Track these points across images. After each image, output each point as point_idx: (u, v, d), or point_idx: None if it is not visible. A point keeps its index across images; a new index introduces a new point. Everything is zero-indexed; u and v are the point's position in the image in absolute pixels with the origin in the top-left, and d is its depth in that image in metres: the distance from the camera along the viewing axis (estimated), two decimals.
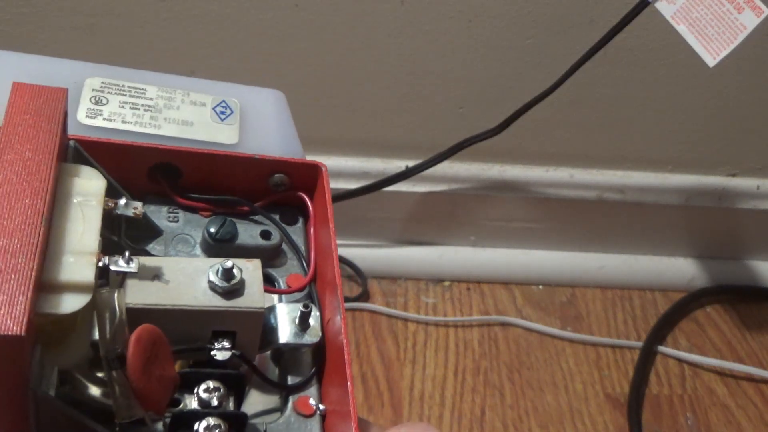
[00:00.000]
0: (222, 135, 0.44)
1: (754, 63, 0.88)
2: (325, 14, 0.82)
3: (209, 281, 0.35)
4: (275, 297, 0.42)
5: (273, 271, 0.43)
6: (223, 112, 0.45)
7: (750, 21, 0.64)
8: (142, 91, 0.45)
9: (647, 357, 1.00)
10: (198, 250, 0.42)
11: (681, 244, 1.08)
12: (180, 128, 0.44)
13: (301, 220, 0.44)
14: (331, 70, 0.87)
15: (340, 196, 0.91)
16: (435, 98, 0.90)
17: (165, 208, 0.43)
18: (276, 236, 0.42)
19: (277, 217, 0.44)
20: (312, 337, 0.38)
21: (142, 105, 0.44)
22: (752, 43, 0.67)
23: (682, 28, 0.67)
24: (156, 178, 0.42)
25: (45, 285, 0.31)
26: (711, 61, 0.67)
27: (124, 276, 0.34)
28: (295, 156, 0.45)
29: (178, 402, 0.34)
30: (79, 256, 0.32)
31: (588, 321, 1.04)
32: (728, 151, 0.98)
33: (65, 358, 0.32)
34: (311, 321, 0.38)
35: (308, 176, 0.43)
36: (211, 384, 0.34)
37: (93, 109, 0.43)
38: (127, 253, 0.33)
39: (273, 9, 0.81)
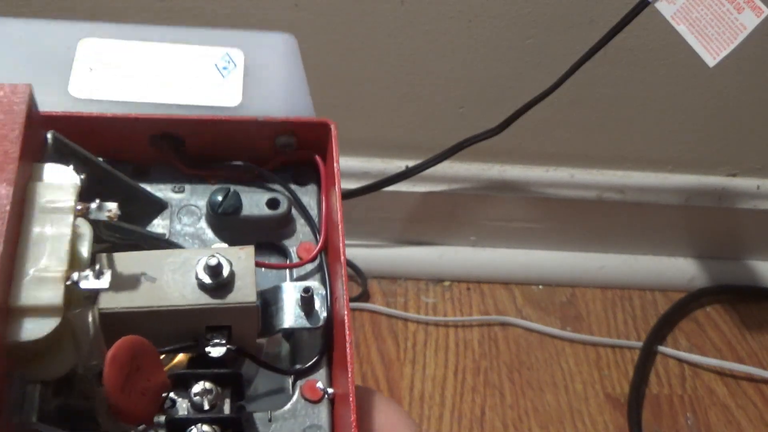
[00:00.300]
0: (224, 96, 0.42)
1: (754, 63, 0.88)
2: (325, 14, 0.82)
3: (197, 278, 0.33)
4: (286, 272, 0.40)
5: (284, 241, 0.40)
6: (225, 68, 0.43)
7: (750, 21, 0.64)
8: (138, 52, 0.42)
9: (647, 357, 1.00)
10: (203, 223, 0.40)
11: (681, 244, 1.08)
12: (179, 93, 0.42)
13: (314, 180, 0.42)
14: (330, 70, 0.87)
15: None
16: (435, 98, 0.90)
17: (170, 178, 0.41)
18: (284, 204, 0.40)
19: (289, 178, 0.42)
20: (315, 321, 0.36)
21: (139, 69, 0.42)
22: (752, 43, 0.67)
23: (682, 28, 0.67)
24: (158, 147, 0.40)
25: (11, 310, 0.29)
26: (711, 61, 0.67)
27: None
28: (303, 111, 0.42)
29: (173, 403, 0.33)
30: (46, 276, 0.30)
31: (588, 321, 1.04)
32: (728, 151, 0.98)
33: (50, 371, 0.31)
34: (316, 302, 0.36)
35: (317, 135, 0.41)
36: (204, 385, 0.33)
37: (85, 80, 0.41)
38: (97, 267, 0.31)
39: (273, 9, 0.81)
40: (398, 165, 0.94)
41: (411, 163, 0.92)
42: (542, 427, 0.93)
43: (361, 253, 1.02)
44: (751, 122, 0.95)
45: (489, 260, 1.05)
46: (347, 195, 0.92)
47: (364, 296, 1.01)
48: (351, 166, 0.94)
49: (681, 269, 1.08)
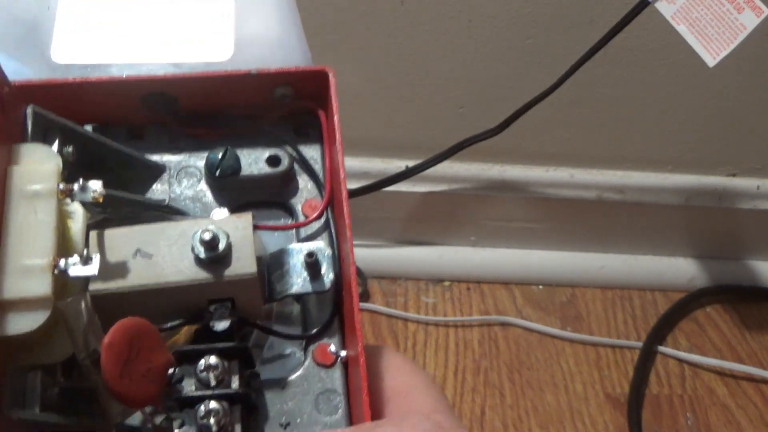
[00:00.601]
0: (215, 50, 0.40)
1: (754, 63, 0.88)
2: (325, 14, 0.82)
3: (193, 252, 0.32)
4: (293, 232, 0.38)
5: (289, 199, 0.39)
6: (215, 18, 0.41)
7: (750, 21, 0.64)
8: (122, 7, 0.40)
9: (647, 357, 1.00)
10: (203, 185, 0.39)
11: (681, 244, 1.08)
12: (168, 50, 0.40)
13: (317, 132, 0.40)
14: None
15: None
16: (435, 98, 0.90)
17: (167, 139, 0.39)
18: (285, 161, 0.38)
19: (290, 132, 0.40)
20: (321, 285, 0.35)
21: (124, 28, 0.39)
22: (752, 43, 0.67)
23: (682, 28, 0.67)
24: (151, 108, 0.38)
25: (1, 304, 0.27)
26: (711, 61, 0.67)
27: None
28: (300, 59, 0.40)
29: (181, 378, 0.32)
30: (31, 265, 0.28)
31: (588, 321, 1.04)
32: (728, 151, 0.98)
33: (47, 358, 0.30)
34: (322, 265, 0.35)
35: (315, 85, 0.39)
36: (211, 360, 0.32)
37: (69, 44, 0.39)
38: (85, 252, 0.30)
39: None
40: (398, 165, 0.94)
41: (411, 163, 0.92)
42: (542, 427, 0.93)
43: (361, 253, 1.02)
44: (751, 122, 0.95)
45: (489, 260, 1.05)
46: (347, 195, 0.92)
47: (364, 296, 1.01)
48: (351, 166, 0.94)
49: (681, 269, 1.08)
